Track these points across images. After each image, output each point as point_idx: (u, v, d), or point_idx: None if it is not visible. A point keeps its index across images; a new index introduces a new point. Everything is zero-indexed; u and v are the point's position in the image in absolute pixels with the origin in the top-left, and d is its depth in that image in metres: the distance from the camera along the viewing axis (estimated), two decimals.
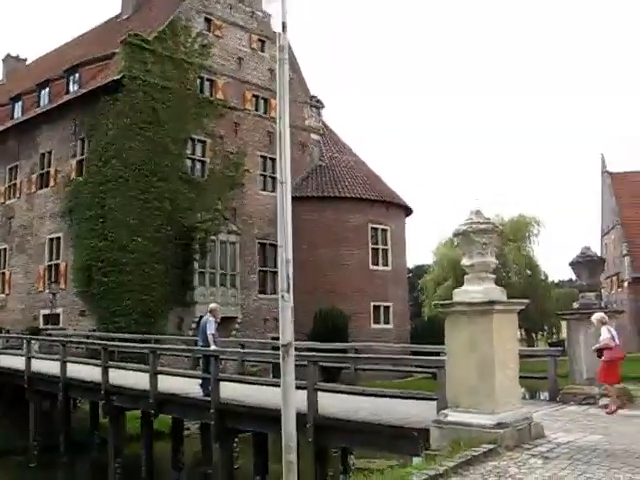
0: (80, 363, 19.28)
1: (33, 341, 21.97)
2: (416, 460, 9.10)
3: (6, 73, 48.38)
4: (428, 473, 7.22)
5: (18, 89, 37.34)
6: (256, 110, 34.28)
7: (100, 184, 28.49)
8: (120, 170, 28.08)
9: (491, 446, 8.25)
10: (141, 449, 16.67)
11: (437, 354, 11.25)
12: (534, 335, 56.79)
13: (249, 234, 32.56)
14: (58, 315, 29.64)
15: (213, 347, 14.83)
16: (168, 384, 15.58)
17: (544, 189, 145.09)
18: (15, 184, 34.73)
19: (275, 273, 28.42)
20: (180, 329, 29.00)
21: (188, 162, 31.00)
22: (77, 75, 31.99)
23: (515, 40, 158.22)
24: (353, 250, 34.79)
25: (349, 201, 35.45)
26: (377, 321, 35.51)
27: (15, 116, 35.63)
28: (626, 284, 47.75)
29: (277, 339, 7.73)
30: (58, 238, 30.86)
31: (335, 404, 11.91)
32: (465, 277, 9.47)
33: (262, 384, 14.21)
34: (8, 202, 35.04)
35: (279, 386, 7.34)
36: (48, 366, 19.46)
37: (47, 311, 29.79)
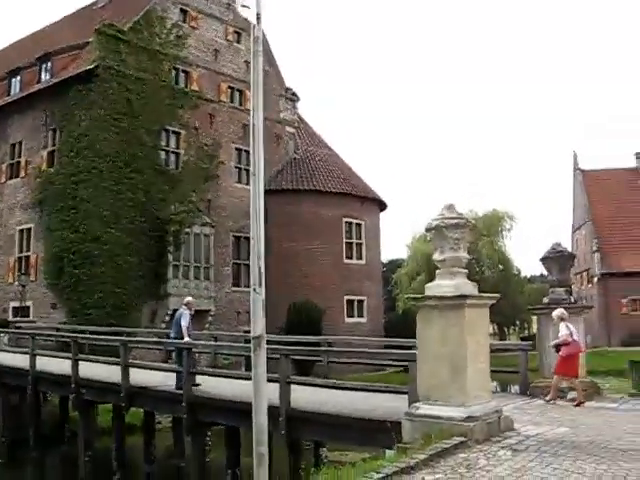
0: (50, 356, 19.10)
1: (2, 334, 21.71)
2: (388, 453, 9.15)
3: None
4: (399, 465, 7.28)
5: None
6: (231, 102, 34.14)
7: (72, 175, 28.16)
8: (93, 161, 27.78)
9: (461, 439, 8.33)
10: (112, 443, 16.55)
11: (410, 348, 11.28)
12: (506, 329, 57.33)
13: (223, 226, 32.46)
14: (28, 307, 29.24)
15: (187, 339, 14.79)
16: (140, 377, 15.50)
17: (518, 185, 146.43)
18: None
19: (249, 266, 28.22)
20: (153, 322, 28.84)
21: (162, 153, 30.78)
22: (49, 64, 31.54)
23: (494, 36, 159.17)
24: (327, 244, 34.83)
25: (324, 195, 35.47)
26: (351, 315, 35.63)
27: None
28: (596, 280, 48.37)
29: (250, 332, 7.71)
30: (29, 229, 30.45)
31: (308, 397, 11.92)
32: (437, 272, 9.53)
33: (234, 377, 14.19)
34: None
35: (251, 379, 7.32)
36: (17, 359, 19.24)
37: (16, 303, 29.34)
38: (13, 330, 24.50)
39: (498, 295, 10.17)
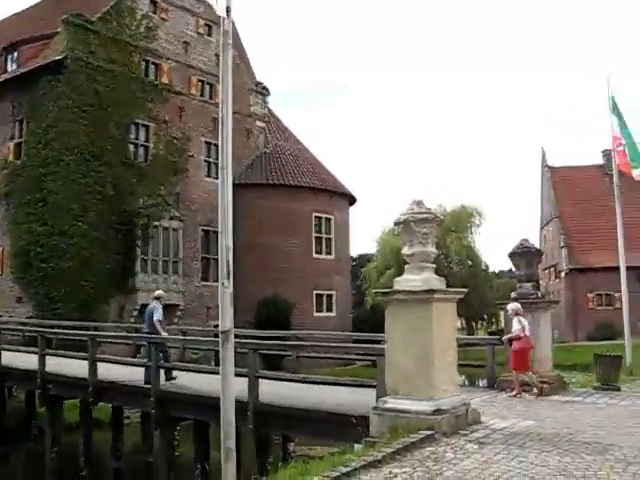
0: (16, 351, 18.86)
1: None
2: (357, 447, 9.19)
3: None
4: (366, 459, 7.33)
5: None
6: (201, 95, 33.92)
7: (39, 167, 27.76)
8: (61, 153, 27.43)
9: (429, 432, 8.40)
10: (80, 438, 16.42)
11: (378, 342, 11.35)
12: (474, 324, 57.88)
13: (192, 220, 32.29)
14: None
15: (164, 334, 14.79)
16: (108, 372, 15.39)
17: (487, 181, 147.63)
18: None
19: (218, 260, 28.20)
20: (121, 316, 28.61)
21: (131, 146, 30.48)
22: (15, 54, 31.02)
23: (465, 31, 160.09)
24: (297, 238, 34.80)
25: (293, 189, 35.43)
26: (320, 309, 35.68)
27: None
28: (563, 275, 49.02)
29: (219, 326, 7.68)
30: None
31: (277, 392, 11.92)
32: (405, 266, 9.58)
33: (203, 371, 14.14)
34: None
35: (219, 373, 7.30)
36: None
37: None
38: None
39: (466, 290, 10.28)
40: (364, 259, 59.92)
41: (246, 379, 11.51)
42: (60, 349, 18.59)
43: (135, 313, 28.74)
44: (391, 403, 9.04)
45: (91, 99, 28.32)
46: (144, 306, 27.32)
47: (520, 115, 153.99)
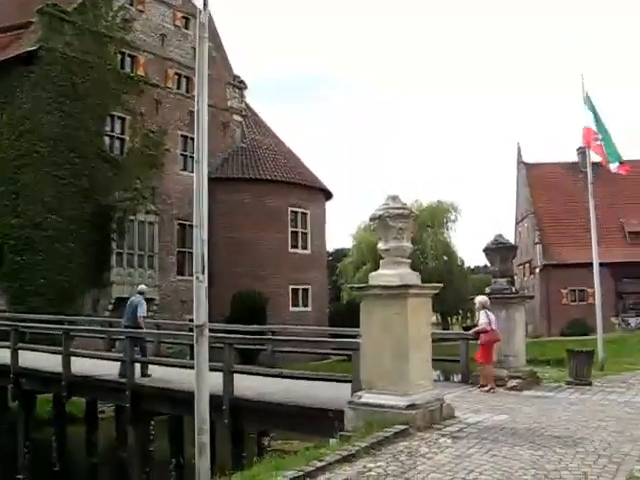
0: None
1: None
2: (332, 441, 9.20)
3: None
4: (341, 453, 7.36)
5: None
6: (178, 88, 33.70)
7: (13, 159, 27.36)
8: (35, 145, 27.09)
9: (403, 427, 8.44)
10: (53, 434, 16.28)
11: (354, 337, 11.37)
12: (449, 319, 58.33)
13: (168, 214, 32.09)
14: None
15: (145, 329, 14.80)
16: (83, 366, 15.27)
17: (463, 177, 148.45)
18: None
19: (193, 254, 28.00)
20: (96, 310, 28.39)
21: (107, 139, 30.21)
22: None
23: (434, 26, 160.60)
24: (273, 233, 34.76)
25: (270, 184, 35.37)
26: (296, 304, 35.71)
27: None
28: (537, 271, 49.45)
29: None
30: None
31: (252, 386, 11.92)
32: (381, 261, 9.60)
33: (178, 366, 14.09)
34: None
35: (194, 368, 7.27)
36: None
37: None
38: None
39: (441, 285, 10.33)
40: (340, 254, 60.06)
41: (221, 374, 11.48)
42: (34, 343, 18.38)
43: (110, 307, 28.58)
44: (366, 398, 9.06)
45: (66, 90, 27.99)
46: (120, 300, 27.32)
47: (497, 111, 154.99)
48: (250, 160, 36.09)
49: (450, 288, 41.27)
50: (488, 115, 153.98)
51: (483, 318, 12.84)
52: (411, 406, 8.75)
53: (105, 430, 17.87)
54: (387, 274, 9.27)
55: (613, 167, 17.06)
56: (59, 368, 15.13)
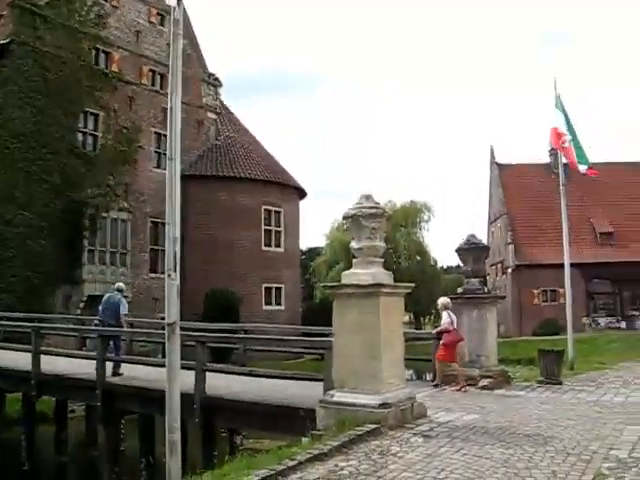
0: None
1: None
2: (304, 440, 9.20)
3: None
4: (312, 452, 7.37)
5: None
6: (152, 85, 33.47)
7: None
8: (6, 140, 26.68)
9: (375, 425, 8.46)
10: (22, 433, 16.07)
11: (327, 335, 11.38)
12: (422, 319, 58.59)
13: (141, 212, 31.87)
14: None
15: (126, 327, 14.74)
16: (55, 365, 15.10)
17: (436, 177, 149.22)
18: None
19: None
20: (67, 308, 28.09)
21: (79, 135, 29.92)
22: None
23: (414, 26, 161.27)
24: (246, 231, 34.69)
25: (243, 182, 35.28)
26: (269, 302, 35.69)
27: None
28: (510, 271, 49.82)
29: None
30: None
31: (224, 385, 11.89)
32: (354, 260, 9.62)
33: (150, 364, 14.00)
34: None
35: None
36: None
37: None
38: None
39: (413, 285, 10.37)
40: (314, 253, 60.05)
41: (193, 372, 11.43)
42: (5, 341, 18.14)
43: (82, 305, 28.30)
44: (338, 396, 9.07)
45: (38, 86, 27.62)
46: (92, 297, 27.05)
47: (471, 111, 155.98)
48: (224, 158, 35.97)
49: (423, 288, 41.48)
50: (462, 115, 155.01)
51: (445, 318, 13.09)
52: (383, 405, 8.78)
53: (75, 429, 17.68)
54: (360, 273, 9.29)
55: (582, 169, 17.26)
56: (29, 366, 14.94)
